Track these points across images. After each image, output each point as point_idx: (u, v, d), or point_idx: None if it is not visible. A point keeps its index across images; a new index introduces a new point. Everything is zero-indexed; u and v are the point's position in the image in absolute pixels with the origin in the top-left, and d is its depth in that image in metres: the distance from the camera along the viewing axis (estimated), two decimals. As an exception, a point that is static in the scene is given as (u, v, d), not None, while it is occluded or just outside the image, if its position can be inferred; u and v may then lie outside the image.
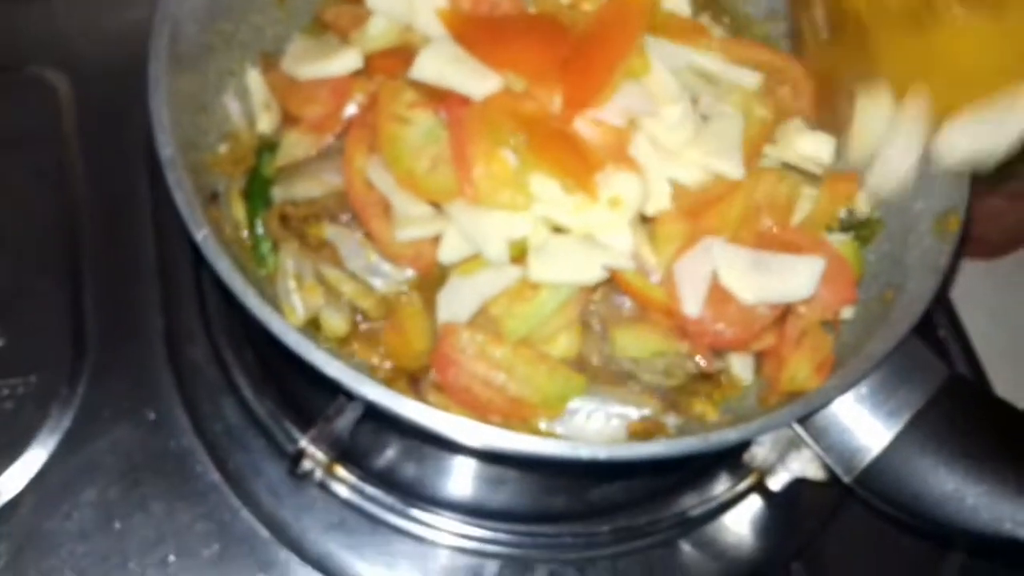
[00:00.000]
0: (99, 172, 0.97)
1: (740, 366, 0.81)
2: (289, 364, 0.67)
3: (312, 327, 0.77)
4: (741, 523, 0.89)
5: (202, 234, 0.69)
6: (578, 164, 0.74)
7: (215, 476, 0.84)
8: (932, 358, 0.77)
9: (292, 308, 0.76)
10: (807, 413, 0.72)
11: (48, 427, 0.84)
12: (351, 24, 0.86)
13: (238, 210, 0.79)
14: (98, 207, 0.95)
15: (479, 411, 0.73)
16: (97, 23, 1.06)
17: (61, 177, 0.96)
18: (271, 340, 0.67)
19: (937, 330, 1.01)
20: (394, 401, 0.64)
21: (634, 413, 0.77)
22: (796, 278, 0.76)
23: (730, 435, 0.68)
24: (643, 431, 0.77)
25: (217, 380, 0.88)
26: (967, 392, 0.78)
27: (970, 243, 1.17)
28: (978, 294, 1.22)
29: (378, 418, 0.67)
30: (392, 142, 0.75)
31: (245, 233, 0.79)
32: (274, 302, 0.74)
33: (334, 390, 0.69)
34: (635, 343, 0.77)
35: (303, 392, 0.86)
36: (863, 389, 0.74)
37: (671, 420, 0.79)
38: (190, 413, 0.87)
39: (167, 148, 0.72)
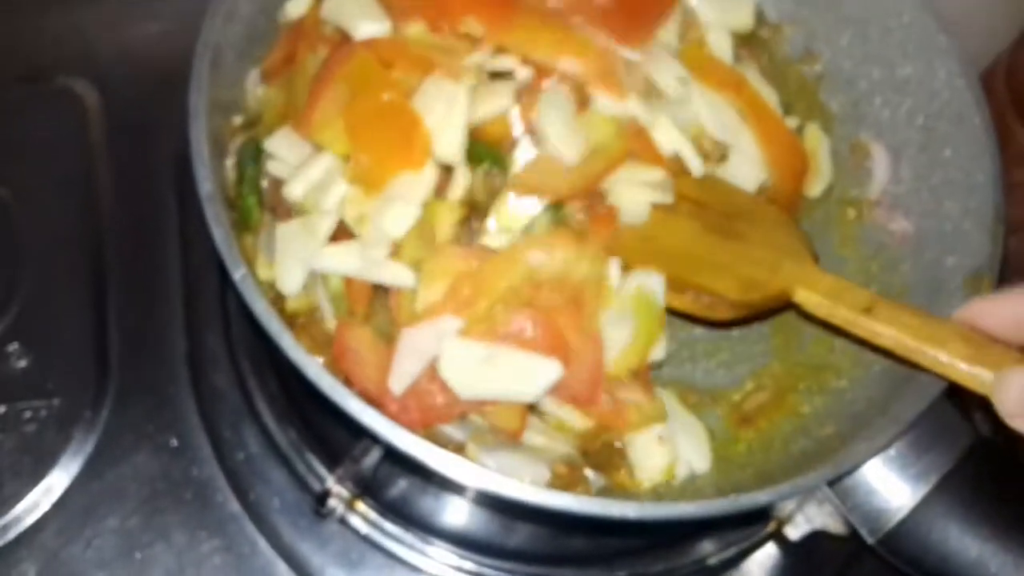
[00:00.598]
0: (126, 186, 0.96)
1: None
2: (315, 399, 0.67)
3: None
4: (757, 571, 0.89)
5: (240, 273, 0.69)
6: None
7: (235, 507, 0.84)
8: (959, 419, 0.77)
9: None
10: (838, 476, 0.72)
11: (71, 450, 0.84)
12: None
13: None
14: (125, 223, 0.95)
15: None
16: (125, 34, 1.05)
17: (88, 191, 0.95)
18: (302, 380, 0.67)
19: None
20: (428, 454, 0.65)
21: (560, 448, 0.77)
22: (525, 382, 0.73)
23: (760, 497, 0.68)
24: (568, 475, 0.76)
25: (240, 407, 0.88)
26: (994, 457, 0.78)
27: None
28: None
29: (404, 462, 0.67)
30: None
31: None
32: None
33: (362, 432, 0.69)
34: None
35: (326, 424, 0.86)
36: (891, 451, 0.74)
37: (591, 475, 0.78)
38: (212, 440, 0.86)
39: (207, 183, 0.71)
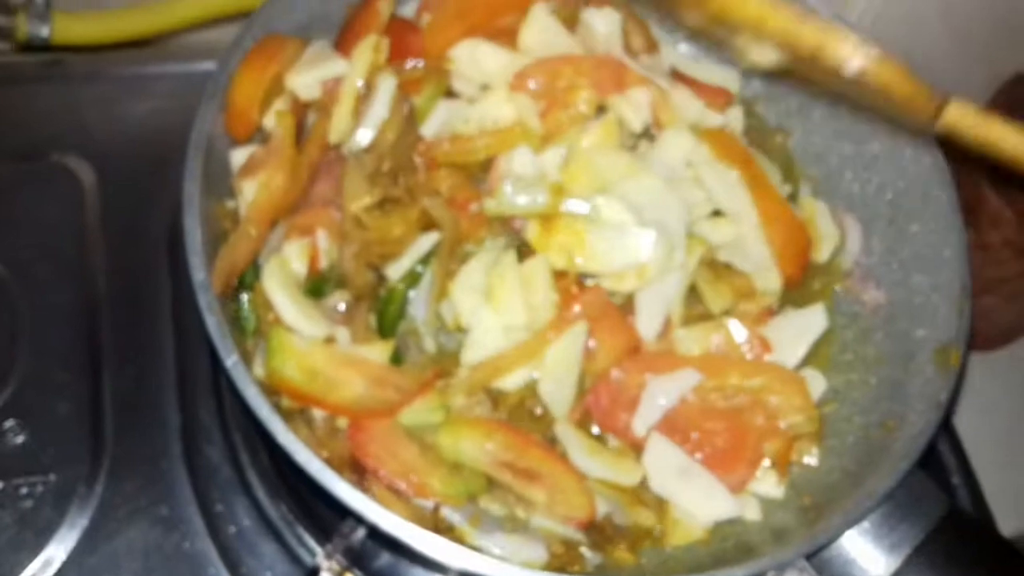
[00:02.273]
0: (121, 262, 0.98)
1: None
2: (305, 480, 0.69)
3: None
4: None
5: (232, 360, 0.71)
6: None
7: (227, 581, 0.86)
8: (932, 488, 0.80)
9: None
10: (814, 550, 0.74)
11: (67, 525, 0.85)
12: None
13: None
14: (119, 299, 0.97)
15: (375, 475, 0.75)
16: (120, 111, 1.07)
17: (83, 267, 0.97)
18: (293, 465, 0.69)
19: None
20: (411, 535, 0.67)
21: (559, 530, 0.79)
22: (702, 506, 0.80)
23: (737, 572, 0.71)
24: (565, 555, 0.78)
25: (232, 481, 0.89)
26: (966, 526, 0.80)
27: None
28: (971, 386, 1.25)
29: (390, 541, 0.69)
30: None
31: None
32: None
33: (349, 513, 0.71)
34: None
35: (317, 498, 0.87)
36: (866, 522, 0.77)
37: (588, 554, 0.80)
38: (204, 514, 0.88)
39: (200, 272, 0.74)
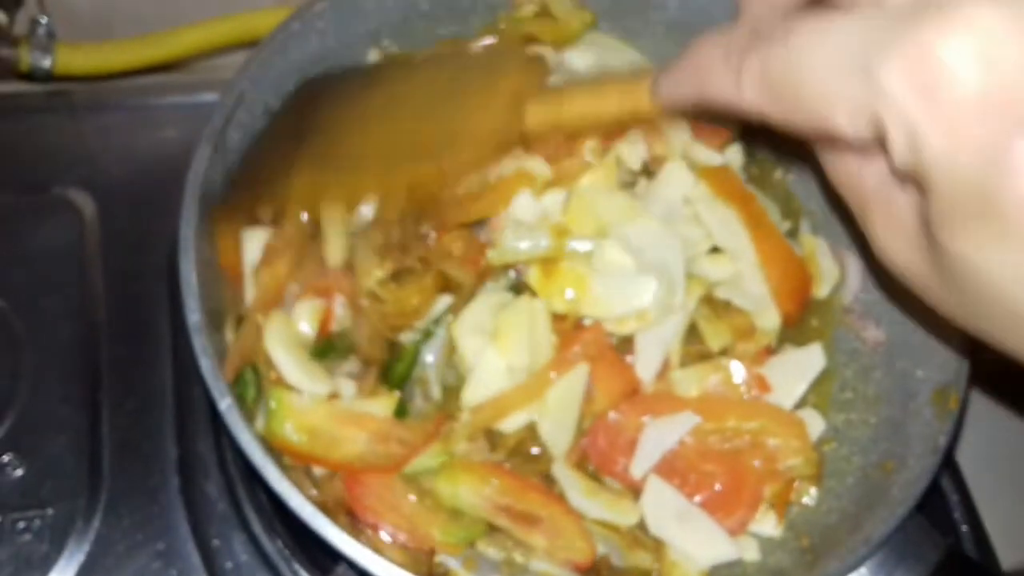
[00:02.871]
0: (121, 295, 0.99)
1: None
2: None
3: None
4: None
5: (225, 403, 0.72)
6: None
7: (224, 618, 0.85)
8: (930, 533, 0.79)
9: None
10: (810, 598, 0.74)
11: (64, 560, 0.86)
12: None
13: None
14: (119, 332, 0.97)
15: (373, 528, 0.76)
16: (123, 142, 1.08)
17: (83, 300, 0.98)
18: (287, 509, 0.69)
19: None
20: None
21: (557, 574, 0.79)
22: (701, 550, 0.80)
23: (733, 619, 0.71)
24: None
25: (229, 516, 0.89)
26: (966, 570, 0.80)
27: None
28: (974, 412, 1.24)
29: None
30: None
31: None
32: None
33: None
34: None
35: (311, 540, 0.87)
36: (863, 568, 0.76)
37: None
38: (201, 549, 0.88)
39: (195, 315, 0.74)
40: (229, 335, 0.82)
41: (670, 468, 0.81)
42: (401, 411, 0.79)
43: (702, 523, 0.80)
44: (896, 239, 0.56)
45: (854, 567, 0.75)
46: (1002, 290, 0.48)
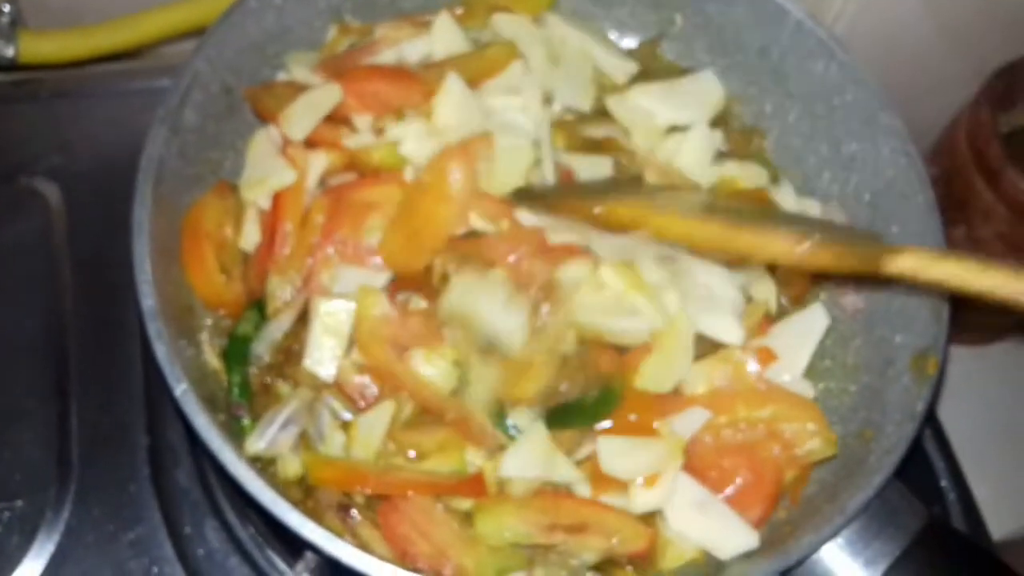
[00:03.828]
0: (88, 286, 0.97)
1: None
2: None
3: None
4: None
5: (181, 389, 0.70)
6: None
7: (196, 606, 0.84)
8: (911, 500, 0.77)
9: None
10: (789, 567, 0.72)
11: (34, 552, 0.85)
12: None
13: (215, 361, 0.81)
14: (87, 321, 0.96)
15: (404, 556, 0.74)
16: (92, 131, 1.06)
17: (50, 291, 0.97)
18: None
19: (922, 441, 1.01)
20: (367, 565, 0.65)
21: None
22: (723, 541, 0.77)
23: (709, 592, 0.69)
24: None
25: (201, 503, 0.88)
26: (947, 539, 0.78)
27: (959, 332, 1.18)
28: (963, 381, 1.22)
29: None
30: None
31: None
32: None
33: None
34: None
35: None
36: (841, 538, 0.75)
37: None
38: (172, 537, 0.87)
39: (148, 299, 0.73)
40: (207, 346, 0.81)
41: (688, 467, 0.79)
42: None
43: (723, 514, 0.78)
44: None
45: (829, 537, 0.73)
46: None
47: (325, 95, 0.86)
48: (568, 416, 0.78)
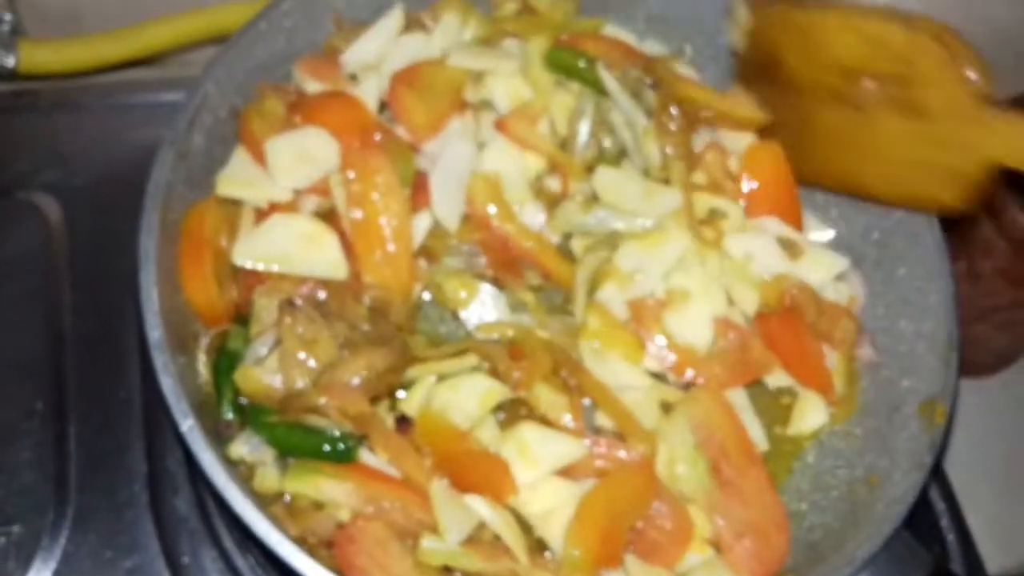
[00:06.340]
0: (87, 303, 0.96)
1: None
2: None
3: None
4: None
5: (188, 424, 0.69)
6: None
7: (194, 637, 0.83)
8: (916, 548, 0.77)
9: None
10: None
11: (28, 579, 0.84)
12: None
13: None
14: (86, 341, 0.94)
15: None
16: (92, 145, 1.05)
17: (49, 308, 0.95)
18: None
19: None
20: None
21: None
22: None
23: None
24: None
25: (199, 531, 0.87)
26: (952, 586, 0.78)
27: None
28: (962, 413, 1.23)
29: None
30: None
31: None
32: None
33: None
34: None
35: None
36: (847, 587, 0.74)
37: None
38: (170, 566, 0.86)
39: (156, 331, 0.72)
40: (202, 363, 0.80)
41: None
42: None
43: None
44: None
45: (838, 587, 0.73)
46: None
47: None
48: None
